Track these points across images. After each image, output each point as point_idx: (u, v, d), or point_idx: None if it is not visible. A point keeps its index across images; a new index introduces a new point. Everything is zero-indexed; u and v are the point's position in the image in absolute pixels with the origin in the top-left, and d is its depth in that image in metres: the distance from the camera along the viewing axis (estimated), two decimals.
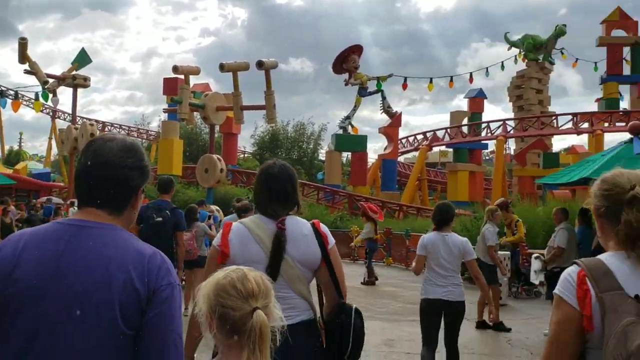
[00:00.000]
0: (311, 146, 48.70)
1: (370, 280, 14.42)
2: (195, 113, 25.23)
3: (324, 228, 3.03)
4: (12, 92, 38.15)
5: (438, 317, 5.65)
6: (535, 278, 8.99)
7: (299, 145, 48.17)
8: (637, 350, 1.68)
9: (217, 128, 44.96)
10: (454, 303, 5.57)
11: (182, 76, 23.75)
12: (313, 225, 3.02)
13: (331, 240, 3.01)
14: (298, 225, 2.99)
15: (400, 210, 28.59)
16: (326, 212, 25.90)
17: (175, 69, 23.44)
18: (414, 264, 5.97)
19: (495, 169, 31.54)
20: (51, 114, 51.30)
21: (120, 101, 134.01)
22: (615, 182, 1.97)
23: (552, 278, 8.58)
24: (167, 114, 32.45)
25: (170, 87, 31.96)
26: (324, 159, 39.37)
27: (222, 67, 22.16)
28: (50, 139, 52.79)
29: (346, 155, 46.54)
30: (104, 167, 1.83)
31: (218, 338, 1.81)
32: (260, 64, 21.66)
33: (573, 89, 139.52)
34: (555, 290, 1.94)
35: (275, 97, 22.03)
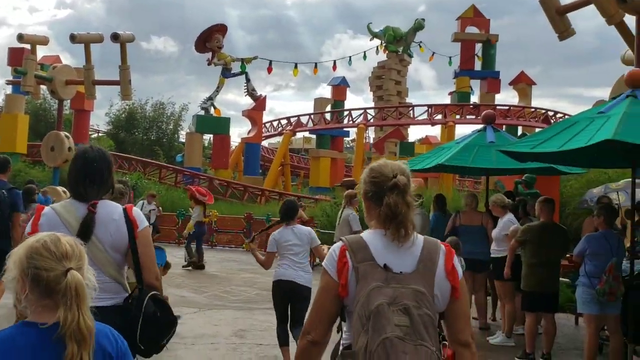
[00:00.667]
0: (171, 127, 46.89)
1: (193, 261, 14.06)
2: (43, 87, 23.19)
3: (135, 212, 3.04)
4: None
5: (288, 297, 5.88)
6: None
7: (157, 126, 46.17)
8: (376, 309, 2.00)
9: (68, 104, 42.01)
10: (302, 287, 5.81)
11: (28, 46, 21.74)
12: (125, 209, 3.03)
13: (141, 224, 3.01)
14: (109, 209, 2.99)
15: (262, 195, 28.27)
16: (184, 196, 24.92)
17: (20, 37, 21.37)
18: (261, 257, 6.14)
19: (356, 156, 32.20)
20: None
21: None
22: (381, 171, 2.29)
23: None
24: (11, 86, 29.50)
25: (16, 57, 28.99)
26: (184, 140, 38.07)
27: (73, 38, 20.47)
28: None
29: (208, 138, 45.48)
30: None
31: (31, 300, 1.80)
32: (115, 37, 20.23)
33: (429, 83, 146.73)
34: (323, 263, 2.25)
35: (133, 75, 20.76)
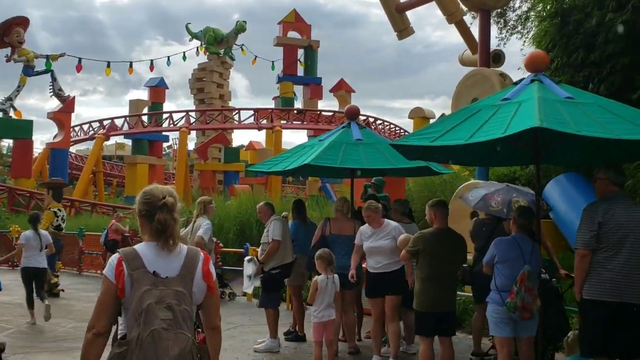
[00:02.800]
0: None
1: None
2: None
3: None
4: None
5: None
6: (250, 285, 7.58)
7: None
8: (147, 307, 2.54)
9: None
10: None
11: None
12: None
13: None
14: None
15: (72, 206, 25.16)
16: None
17: None
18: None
19: (178, 162, 30.17)
20: None
21: None
22: (152, 193, 2.79)
23: (269, 281, 7.29)
24: None
25: None
26: None
27: None
28: None
29: (7, 144, 40.36)
30: None
31: None
32: None
33: (252, 86, 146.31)
34: (104, 271, 2.70)
35: None
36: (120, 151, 56.24)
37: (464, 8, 12.58)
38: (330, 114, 33.52)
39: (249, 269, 7.43)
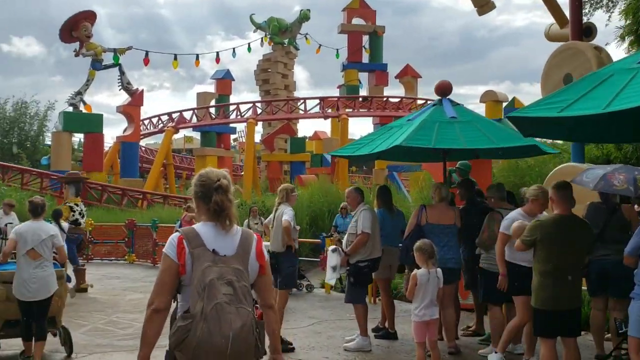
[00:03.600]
0: (35, 128, 42.11)
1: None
2: None
3: None
4: None
5: None
6: (333, 276, 7.04)
7: (19, 127, 41.32)
8: (210, 282, 2.65)
9: None
10: None
11: None
12: None
13: None
14: None
15: (144, 198, 25.37)
16: (53, 203, 21.67)
17: None
18: None
19: (247, 153, 30.00)
20: None
21: None
22: (207, 176, 2.89)
23: (357, 275, 6.73)
24: None
25: None
26: (50, 143, 33.94)
27: None
28: None
29: (79, 139, 41.26)
30: None
31: None
32: None
33: (317, 74, 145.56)
34: (164, 250, 2.81)
35: None
36: (189, 144, 56.92)
37: None
38: (397, 100, 32.65)
39: (333, 259, 6.87)
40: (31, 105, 41.98)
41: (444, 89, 7.03)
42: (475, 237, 6.47)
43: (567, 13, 11.29)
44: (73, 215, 12.08)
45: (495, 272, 5.93)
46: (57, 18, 29.37)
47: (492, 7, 13.11)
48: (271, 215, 7.38)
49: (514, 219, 5.47)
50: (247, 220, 12.72)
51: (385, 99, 32.64)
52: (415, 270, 5.40)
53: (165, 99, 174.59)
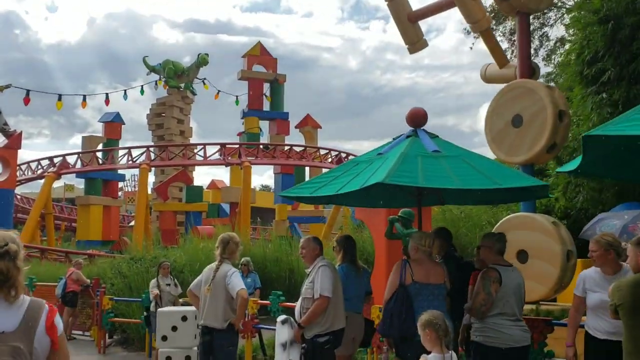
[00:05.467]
0: None
1: None
2: None
3: None
4: None
5: None
6: (282, 358, 5.31)
7: None
8: None
9: None
10: None
11: None
12: None
13: None
14: None
15: None
16: None
17: None
18: None
19: (138, 201, 27.49)
20: None
21: None
22: None
23: (315, 354, 5.12)
24: None
25: None
26: None
27: None
28: None
29: None
30: None
31: None
32: None
33: (214, 121, 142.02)
34: None
35: None
36: (69, 193, 52.80)
37: (496, 11, 10.93)
38: (301, 149, 31.60)
39: (283, 334, 5.24)
40: None
41: (417, 119, 5.73)
42: (456, 301, 5.17)
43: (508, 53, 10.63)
44: None
45: (495, 347, 4.63)
46: None
47: (425, 44, 12.31)
48: (201, 277, 5.66)
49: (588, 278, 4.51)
50: (154, 280, 9.82)
51: (288, 147, 31.45)
52: (425, 356, 3.89)
53: (44, 146, 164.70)
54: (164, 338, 7.61)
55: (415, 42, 12.07)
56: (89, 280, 13.07)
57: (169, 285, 9.66)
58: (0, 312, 2.46)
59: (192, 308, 8.17)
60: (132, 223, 38.46)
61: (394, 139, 5.73)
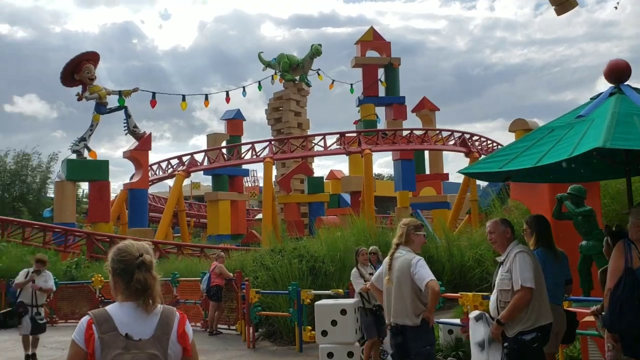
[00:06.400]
0: (38, 180, 40.15)
1: None
2: None
3: None
4: None
5: None
6: (482, 355, 4.69)
7: (21, 180, 39.36)
8: None
9: None
10: None
11: None
12: None
13: None
14: None
15: (156, 249, 23.10)
16: (56, 259, 19.43)
17: None
18: None
19: (265, 195, 27.78)
20: None
21: None
22: (128, 251, 2.65)
23: (522, 353, 4.44)
24: None
25: None
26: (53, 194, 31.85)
27: None
28: None
29: (83, 190, 39.26)
30: None
31: None
32: None
33: (329, 112, 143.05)
34: (72, 335, 2.56)
35: None
36: (196, 191, 54.94)
37: None
38: (422, 132, 30.62)
39: (479, 332, 4.60)
40: (33, 157, 40.27)
41: (618, 73, 4.87)
42: None
43: None
44: None
45: None
46: (57, 74, 27.57)
47: (574, 4, 11.15)
48: (381, 268, 5.12)
49: None
50: (355, 271, 8.38)
51: (408, 132, 30.59)
52: None
53: (166, 148, 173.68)
54: (324, 333, 7.22)
55: (563, 1, 10.95)
56: (231, 274, 13.06)
57: (371, 274, 8.42)
58: (138, 321, 2.56)
59: (352, 300, 7.75)
60: (258, 216, 39.26)
61: (591, 99, 4.91)
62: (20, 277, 9.74)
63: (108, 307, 2.62)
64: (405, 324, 4.67)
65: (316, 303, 7.70)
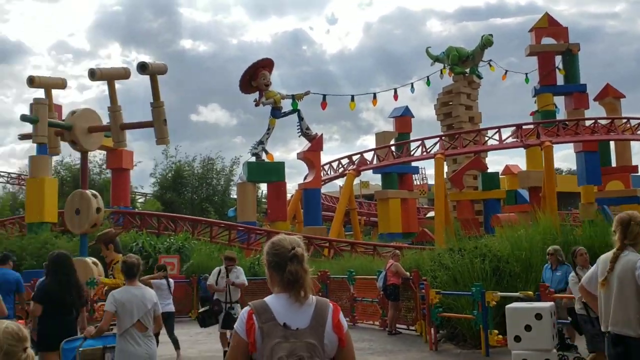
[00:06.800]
0: (222, 182, 43.11)
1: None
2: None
3: None
4: None
5: None
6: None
7: (207, 183, 42.51)
8: None
9: (99, 161, 38.66)
10: None
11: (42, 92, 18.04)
12: None
13: None
14: None
15: (330, 247, 23.61)
16: (241, 256, 20.55)
17: (31, 81, 17.63)
18: None
19: (436, 192, 27.29)
20: None
21: (20, 154, 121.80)
22: (281, 244, 2.76)
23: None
24: (36, 147, 25.82)
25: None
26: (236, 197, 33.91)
27: (93, 75, 16.56)
28: None
29: (262, 191, 41.45)
30: None
31: None
32: (143, 67, 16.19)
33: (502, 104, 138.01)
34: (235, 326, 2.72)
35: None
36: (365, 190, 55.56)
37: None
38: (608, 122, 28.18)
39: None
40: (217, 161, 43.28)
41: None
42: None
43: None
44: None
45: None
46: (236, 83, 29.23)
47: None
48: (595, 268, 4.60)
49: None
50: (573, 275, 7.75)
51: (593, 121, 28.31)
52: None
53: (335, 149, 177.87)
54: (517, 338, 6.73)
55: None
56: (408, 273, 12.86)
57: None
58: (293, 311, 2.64)
59: (548, 304, 7.18)
60: (429, 214, 38.73)
61: None
62: (211, 278, 10.10)
63: (266, 299, 2.72)
64: (627, 334, 4.12)
65: (507, 306, 7.22)
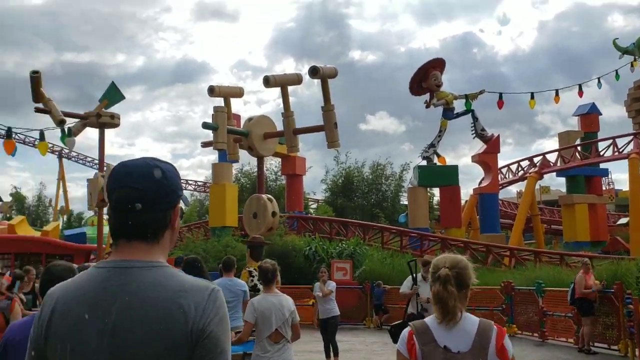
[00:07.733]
0: (392, 188, 42.72)
1: None
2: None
3: None
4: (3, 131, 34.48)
5: None
6: None
7: (377, 188, 42.35)
8: None
9: (274, 168, 40.03)
10: None
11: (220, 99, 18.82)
12: None
13: None
14: None
15: (511, 256, 22.04)
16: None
17: (212, 90, 18.50)
18: None
19: (632, 196, 24.45)
20: (59, 155, 48.29)
21: (207, 165, 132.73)
22: (436, 264, 2.75)
23: None
24: (217, 153, 27.15)
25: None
26: (407, 203, 33.21)
27: (268, 81, 16.90)
28: (59, 183, 49.62)
29: (433, 197, 40.30)
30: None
31: None
32: (314, 71, 16.17)
33: None
34: (397, 345, 2.70)
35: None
36: (545, 195, 51.97)
37: None
38: None
39: None
40: (386, 167, 42.99)
41: None
42: None
43: None
44: (252, 281, 9.71)
45: None
46: (405, 93, 28.68)
47: None
48: None
49: None
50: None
51: None
52: None
53: (509, 154, 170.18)
54: None
55: None
56: (599, 283, 11.35)
57: None
58: (452, 333, 2.56)
59: None
60: (620, 221, 35.12)
61: None
62: (404, 287, 9.14)
63: (427, 319, 2.69)
64: None
65: None
